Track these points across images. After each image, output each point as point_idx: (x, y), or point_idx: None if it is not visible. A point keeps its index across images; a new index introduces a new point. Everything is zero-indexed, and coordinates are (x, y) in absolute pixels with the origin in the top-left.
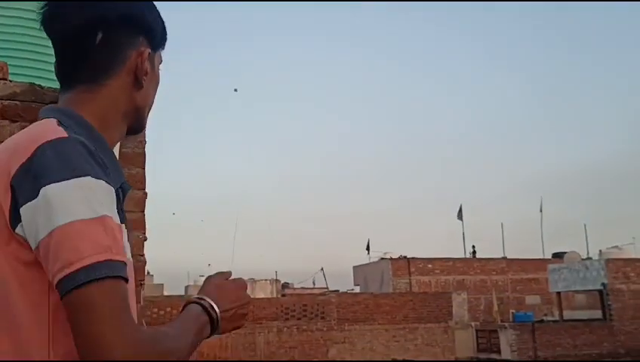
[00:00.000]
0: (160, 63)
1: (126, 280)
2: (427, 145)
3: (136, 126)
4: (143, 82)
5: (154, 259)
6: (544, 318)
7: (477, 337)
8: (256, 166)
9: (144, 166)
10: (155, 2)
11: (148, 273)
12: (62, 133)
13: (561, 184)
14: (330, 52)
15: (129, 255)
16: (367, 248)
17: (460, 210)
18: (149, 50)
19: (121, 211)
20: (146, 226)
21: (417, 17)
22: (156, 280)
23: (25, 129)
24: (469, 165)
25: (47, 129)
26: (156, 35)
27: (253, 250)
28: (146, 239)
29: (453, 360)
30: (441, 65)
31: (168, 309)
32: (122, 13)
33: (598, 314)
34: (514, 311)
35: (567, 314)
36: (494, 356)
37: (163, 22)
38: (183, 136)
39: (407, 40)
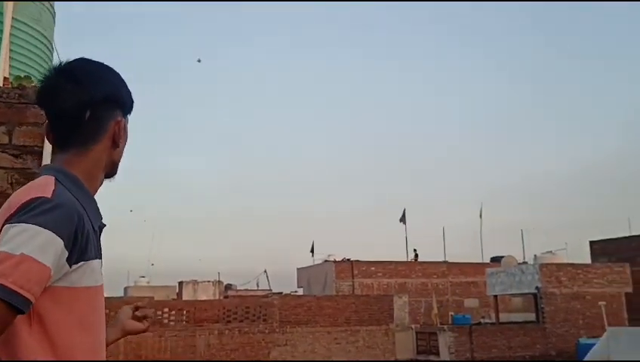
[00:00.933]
0: (127, 124)
1: (10, 305)
2: (372, 149)
3: (111, 173)
4: (120, 144)
5: None
6: (482, 321)
7: (417, 339)
8: (202, 165)
9: None
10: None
11: None
12: (48, 193)
13: (501, 191)
14: (285, 57)
15: (101, 281)
16: (312, 250)
17: (404, 214)
18: (124, 120)
19: (98, 247)
20: None
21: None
22: None
23: (27, 184)
24: (412, 170)
25: (39, 187)
26: (127, 106)
27: (196, 250)
28: None
29: (392, 361)
30: (388, 73)
31: (105, 311)
32: (105, 94)
33: (532, 316)
34: (453, 313)
35: (504, 317)
36: (433, 357)
37: (131, 93)
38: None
39: (363, 44)
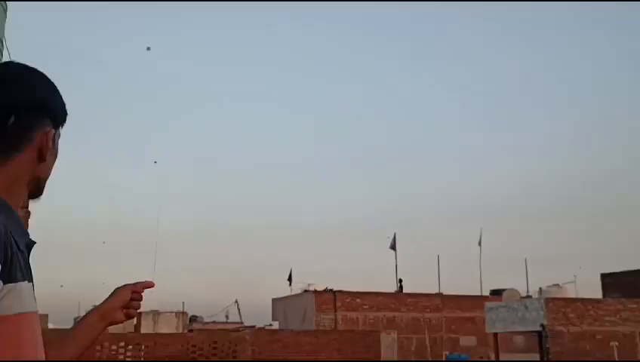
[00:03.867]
0: (59, 138)
1: None
2: (359, 168)
3: (35, 192)
4: (47, 157)
5: (38, 286)
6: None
7: None
8: (164, 186)
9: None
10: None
11: None
12: None
13: (502, 217)
14: (264, 64)
15: (35, 307)
16: (289, 278)
17: (394, 240)
18: (52, 131)
19: (27, 268)
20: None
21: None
22: (40, 311)
23: None
24: (404, 191)
25: None
26: (58, 116)
27: (158, 278)
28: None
29: None
30: (378, 85)
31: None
32: (31, 100)
33: (536, 357)
34: (447, 352)
35: (505, 357)
36: None
37: (64, 104)
38: (78, 151)
39: (343, 54)
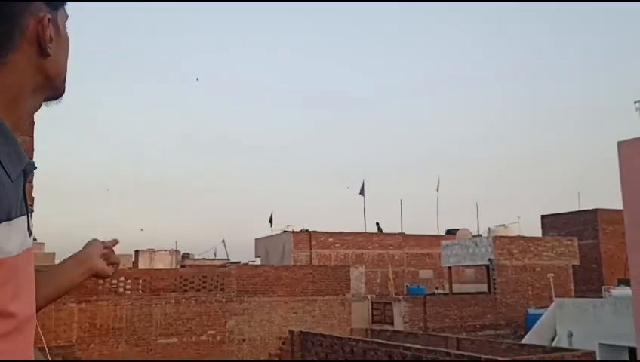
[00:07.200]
0: (66, 20)
1: None
2: (331, 119)
3: (53, 95)
4: (49, 50)
5: (45, 226)
6: (436, 291)
7: (372, 309)
8: (157, 131)
9: (32, 133)
10: None
11: (35, 240)
12: None
13: (458, 164)
14: (247, 22)
15: (30, 244)
16: (270, 220)
17: (363, 187)
18: (49, 16)
19: (23, 198)
20: (34, 197)
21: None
22: (47, 249)
23: None
24: (372, 141)
25: None
26: None
27: (153, 218)
28: (32, 212)
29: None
30: (351, 37)
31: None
32: None
33: (485, 287)
34: (408, 284)
35: (457, 288)
36: (387, 327)
37: None
38: (78, 97)
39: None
